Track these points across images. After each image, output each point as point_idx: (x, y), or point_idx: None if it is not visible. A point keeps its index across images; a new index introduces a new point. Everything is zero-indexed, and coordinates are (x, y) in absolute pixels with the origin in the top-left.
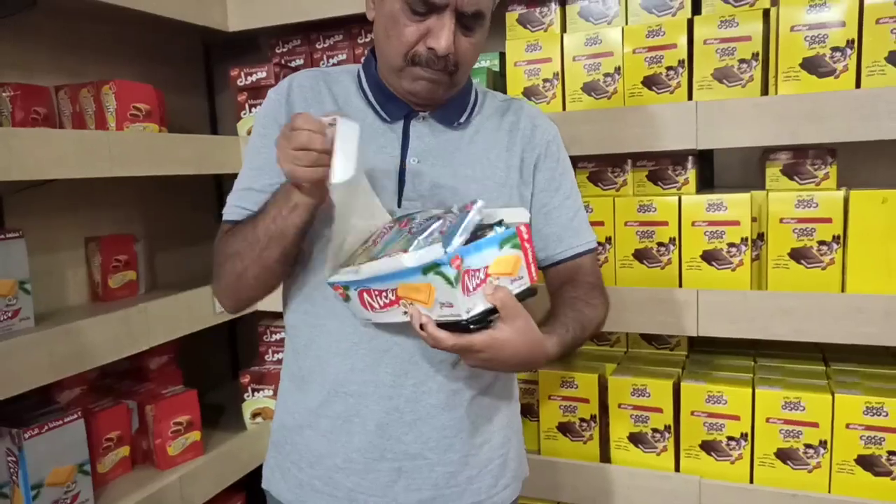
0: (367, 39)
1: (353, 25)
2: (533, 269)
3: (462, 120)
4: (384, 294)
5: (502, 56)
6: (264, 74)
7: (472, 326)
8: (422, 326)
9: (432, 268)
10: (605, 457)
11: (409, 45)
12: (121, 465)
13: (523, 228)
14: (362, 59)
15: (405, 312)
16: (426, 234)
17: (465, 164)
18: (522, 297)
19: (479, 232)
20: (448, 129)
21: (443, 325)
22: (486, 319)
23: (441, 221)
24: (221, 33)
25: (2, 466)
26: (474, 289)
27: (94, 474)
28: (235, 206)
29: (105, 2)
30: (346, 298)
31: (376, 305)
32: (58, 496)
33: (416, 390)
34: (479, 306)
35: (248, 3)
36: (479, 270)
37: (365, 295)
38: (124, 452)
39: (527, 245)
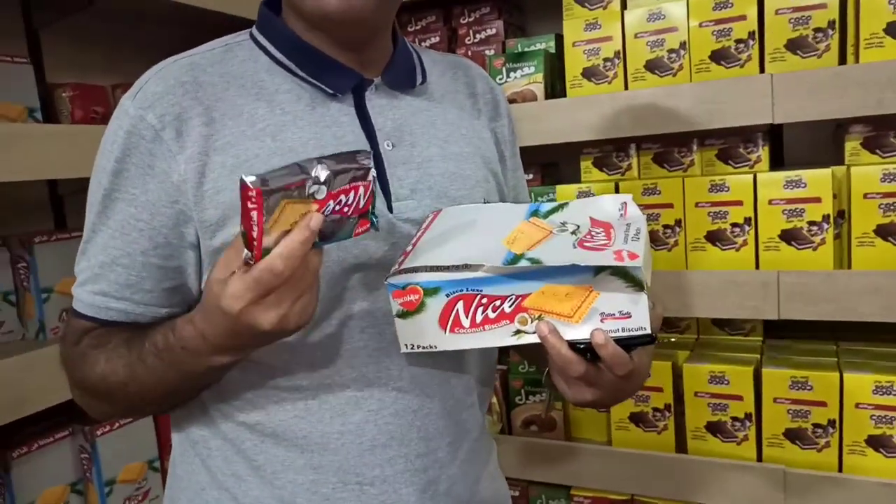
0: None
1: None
2: None
3: (420, 81)
4: (498, 303)
5: (559, 38)
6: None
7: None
8: (587, 348)
9: (611, 266)
10: (682, 447)
11: None
12: None
13: None
14: (255, 23)
15: (518, 332)
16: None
17: (447, 139)
18: None
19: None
20: (407, 97)
21: (576, 347)
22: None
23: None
24: None
25: (76, 464)
26: None
27: (163, 470)
28: (91, 293)
29: (166, 1)
30: (411, 311)
31: (477, 319)
32: (129, 493)
33: (453, 449)
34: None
35: None
36: None
37: (460, 304)
38: None
39: None
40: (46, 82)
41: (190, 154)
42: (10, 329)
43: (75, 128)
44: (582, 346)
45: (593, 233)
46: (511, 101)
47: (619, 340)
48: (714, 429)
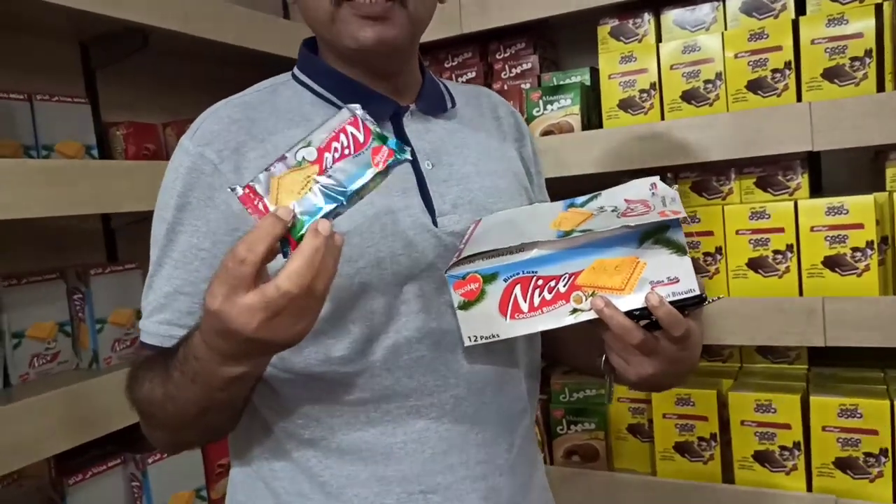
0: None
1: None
2: None
3: (449, 106)
4: (553, 283)
5: (594, 71)
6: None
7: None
8: (642, 317)
9: (655, 233)
10: (728, 477)
11: None
12: None
13: None
14: (296, 63)
15: (574, 311)
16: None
17: (480, 157)
18: None
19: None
20: (440, 121)
21: (631, 317)
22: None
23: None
24: None
25: (127, 492)
26: None
27: (209, 500)
28: (157, 323)
29: (212, 40)
30: (472, 300)
31: (535, 302)
32: None
33: (509, 456)
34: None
35: None
36: None
37: (518, 288)
38: None
39: None
40: (102, 121)
41: None
42: (65, 359)
43: (129, 164)
44: (637, 314)
45: (632, 207)
46: (548, 132)
47: (671, 304)
48: (762, 458)
